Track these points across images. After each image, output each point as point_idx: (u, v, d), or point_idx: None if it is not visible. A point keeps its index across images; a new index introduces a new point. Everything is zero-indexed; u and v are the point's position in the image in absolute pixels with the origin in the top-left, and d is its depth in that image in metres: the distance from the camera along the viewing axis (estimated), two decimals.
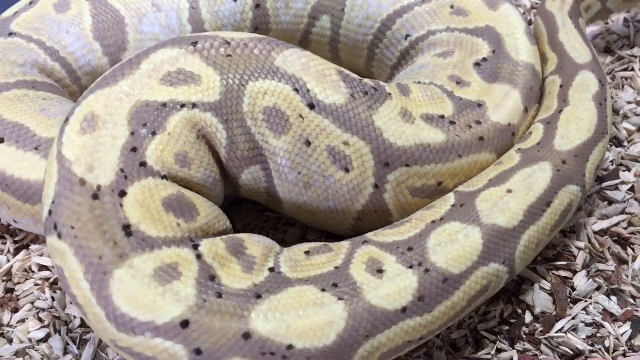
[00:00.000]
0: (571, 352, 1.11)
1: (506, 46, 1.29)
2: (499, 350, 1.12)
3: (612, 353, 1.11)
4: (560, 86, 1.32)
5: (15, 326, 1.18)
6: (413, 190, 1.12)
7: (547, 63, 1.40)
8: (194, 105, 1.03)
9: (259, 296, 0.92)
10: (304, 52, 1.12)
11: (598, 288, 1.20)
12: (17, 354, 1.13)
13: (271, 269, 0.98)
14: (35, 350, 1.14)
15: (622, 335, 1.13)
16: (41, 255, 1.28)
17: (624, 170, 1.41)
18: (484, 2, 1.37)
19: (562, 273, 1.22)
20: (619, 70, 1.65)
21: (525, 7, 1.91)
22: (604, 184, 1.37)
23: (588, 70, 1.33)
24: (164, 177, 0.98)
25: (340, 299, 0.93)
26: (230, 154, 1.08)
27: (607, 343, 1.12)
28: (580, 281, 1.21)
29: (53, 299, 1.21)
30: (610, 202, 1.35)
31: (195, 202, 1.01)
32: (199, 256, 0.94)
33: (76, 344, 1.15)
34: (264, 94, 1.06)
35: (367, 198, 1.11)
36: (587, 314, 1.17)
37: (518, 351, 1.12)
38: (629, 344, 1.13)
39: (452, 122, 1.14)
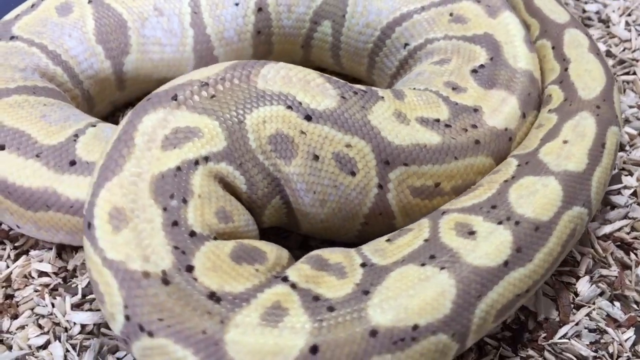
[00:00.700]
0: (575, 359, 1.11)
1: (504, 53, 1.29)
2: (502, 357, 1.12)
3: (616, 359, 1.11)
4: (553, 48, 1.39)
5: (15, 333, 1.17)
6: (413, 190, 1.11)
7: (530, 30, 1.47)
8: (206, 158, 1.00)
9: (366, 292, 0.93)
10: (279, 65, 1.10)
11: (601, 294, 1.20)
12: None
13: (363, 265, 0.99)
14: (35, 357, 1.13)
15: (625, 341, 1.13)
16: (41, 261, 1.27)
17: (626, 175, 1.40)
18: (484, 10, 1.37)
19: (565, 279, 1.22)
20: (621, 75, 1.65)
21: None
22: (607, 189, 1.37)
23: (572, 27, 1.41)
24: (215, 238, 0.96)
25: (442, 268, 0.96)
26: (252, 197, 1.06)
27: (610, 349, 1.12)
28: (584, 287, 1.20)
29: (53, 305, 1.20)
30: (613, 206, 1.35)
31: (255, 244, 1.01)
32: (293, 286, 0.94)
33: (76, 351, 1.14)
34: (263, 123, 1.04)
35: (373, 200, 1.11)
36: (590, 320, 1.16)
37: (521, 358, 1.11)
38: (632, 350, 1.12)
39: (447, 126, 1.14)
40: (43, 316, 1.20)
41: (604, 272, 1.22)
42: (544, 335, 1.14)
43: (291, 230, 1.21)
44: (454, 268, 0.96)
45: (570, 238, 1.09)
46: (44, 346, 1.15)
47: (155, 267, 0.90)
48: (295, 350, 0.86)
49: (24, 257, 1.29)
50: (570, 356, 1.11)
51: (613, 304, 1.18)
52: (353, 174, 1.08)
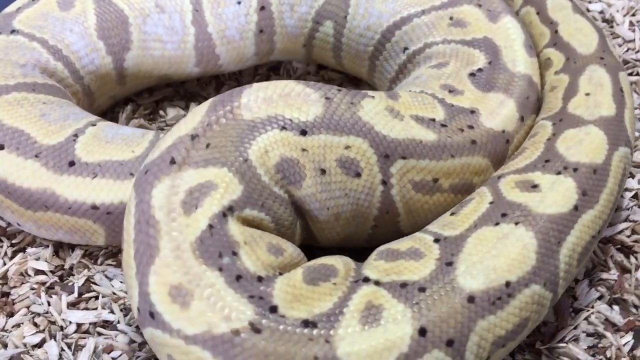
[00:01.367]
0: None
1: (503, 57, 1.29)
2: None
3: None
4: (537, 13, 1.44)
5: (11, 331, 1.17)
6: (415, 184, 1.11)
7: (513, 0, 1.52)
8: (230, 208, 0.97)
9: (450, 264, 0.95)
10: (254, 87, 1.07)
11: (600, 297, 1.19)
12: (11, 359, 1.12)
13: (436, 240, 1.01)
14: (30, 356, 1.13)
15: (624, 345, 1.12)
16: (38, 259, 1.27)
17: (627, 177, 1.39)
18: (484, 14, 1.36)
19: None
20: None
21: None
22: None
23: None
24: (280, 274, 0.96)
25: (517, 223, 0.99)
26: (281, 230, 1.06)
27: (608, 354, 1.11)
28: (583, 290, 1.19)
29: (49, 303, 1.20)
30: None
31: (320, 262, 1.01)
32: (377, 283, 0.95)
33: (71, 350, 1.14)
34: (266, 153, 1.02)
35: (380, 199, 1.10)
36: (589, 324, 1.15)
37: None
38: (631, 355, 1.11)
39: (443, 125, 1.13)
40: (39, 314, 1.19)
41: (604, 275, 1.21)
42: (541, 339, 1.13)
43: (309, 244, 1.20)
44: (529, 220, 0.99)
45: (624, 177, 1.14)
46: (39, 345, 1.15)
47: (241, 322, 0.87)
48: (406, 339, 0.88)
49: (20, 255, 1.28)
50: None
51: (612, 308, 1.17)
52: (358, 175, 1.07)
